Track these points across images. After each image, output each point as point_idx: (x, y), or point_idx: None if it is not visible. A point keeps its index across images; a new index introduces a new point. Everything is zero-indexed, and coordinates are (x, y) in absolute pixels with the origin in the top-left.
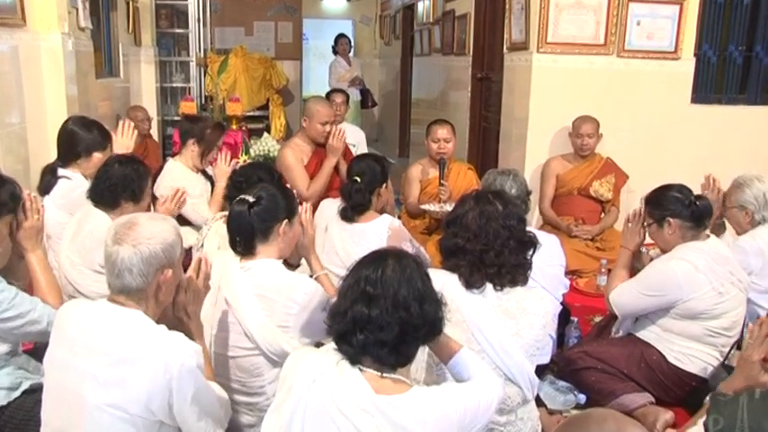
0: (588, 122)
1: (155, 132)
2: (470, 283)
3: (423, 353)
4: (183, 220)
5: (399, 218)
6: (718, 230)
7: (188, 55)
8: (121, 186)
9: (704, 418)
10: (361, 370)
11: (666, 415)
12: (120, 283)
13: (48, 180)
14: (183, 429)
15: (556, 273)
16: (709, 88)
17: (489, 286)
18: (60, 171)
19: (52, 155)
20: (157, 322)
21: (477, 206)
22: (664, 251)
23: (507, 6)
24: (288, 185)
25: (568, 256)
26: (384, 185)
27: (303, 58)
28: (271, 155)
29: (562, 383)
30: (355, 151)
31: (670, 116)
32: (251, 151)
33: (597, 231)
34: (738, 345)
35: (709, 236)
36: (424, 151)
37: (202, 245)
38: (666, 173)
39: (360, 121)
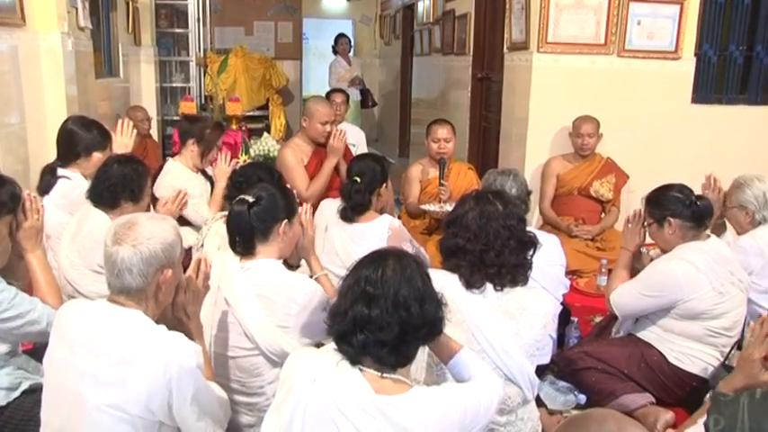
0: (588, 122)
1: (154, 132)
2: (470, 283)
3: (423, 353)
4: (182, 220)
5: (399, 218)
6: (719, 230)
7: (188, 55)
8: (121, 186)
9: (704, 418)
10: (361, 370)
11: (667, 415)
12: (119, 284)
13: (47, 180)
14: (183, 429)
15: (556, 273)
16: (709, 88)
17: (489, 286)
18: (60, 171)
19: (52, 155)
20: (157, 322)
21: (478, 206)
22: (664, 251)
23: (507, 6)
24: (288, 185)
25: (568, 256)
26: (384, 185)
27: (303, 57)
28: (271, 155)
29: (562, 384)
30: (355, 151)
31: (670, 116)
32: (251, 151)
33: (597, 231)
34: (739, 345)
35: (709, 236)
36: (424, 151)
37: (202, 245)
38: (667, 173)
39: (360, 121)
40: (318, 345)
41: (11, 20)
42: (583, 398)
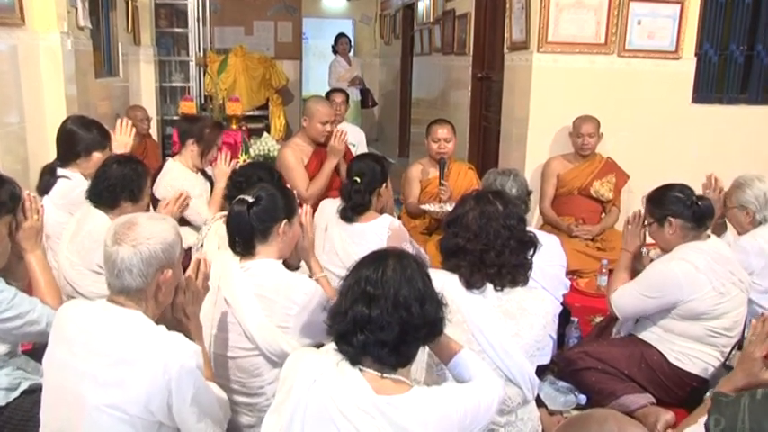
0: (589, 122)
1: (154, 132)
2: (471, 283)
3: (423, 353)
4: (182, 220)
5: (399, 218)
6: (720, 230)
7: (187, 54)
8: (120, 186)
9: (705, 418)
10: (361, 370)
11: (667, 415)
12: (119, 284)
13: (47, 180)
14: (183, 430)
15: (556, 273)
16: (710, 88)
17: (490, 286)
18: (59, 171)
19: (51, 155)
20: (156, 323)
21: (478, 206)
22: (664, 251)
23: (508, 6)
24: (288, 186)
25: (569, 256)
26: (384, 185)
27: (303, 57)
28: (270, 155)
29: (562, 384)
30: (355, 151)
31: (671, 116)
32: (250, 151)
33: (598, 231)
34: (739, 345)
35: (709, 236)
36: (424, 151)
37: (202, 245)
38: (667, 173)
39: (360, 121)
40: (319, 345)
41: (10, 19)
42: (583, 398)
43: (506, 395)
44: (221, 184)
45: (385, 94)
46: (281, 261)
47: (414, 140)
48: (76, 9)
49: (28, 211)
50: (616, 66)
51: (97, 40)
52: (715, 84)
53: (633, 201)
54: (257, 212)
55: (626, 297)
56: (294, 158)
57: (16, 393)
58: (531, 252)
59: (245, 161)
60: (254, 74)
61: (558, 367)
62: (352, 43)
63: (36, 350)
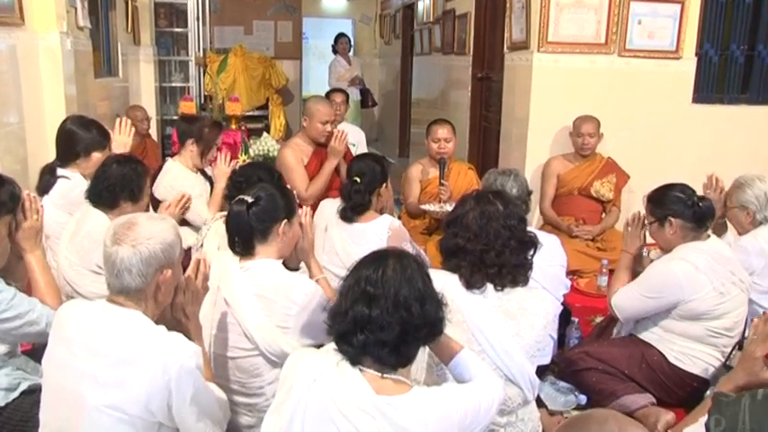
0: (589, 122)
1: (154, 132)
2: (471, 283)
3: (423, 353)
4: (181, 220)
5: (399, 218)
6: (720, 230)
7: (187, 54)
8: (120, 186)
9: (705, 418)
10: (361, 370)
11: (668, 416)
12: (119, 284)
13: (46, 180)
14: (182, 430)
15: (557, 273)
16: (710, 88)
17: (490, 287)
18: (59, 171)
19: (51, 155)
20: (156, 323)
21: (478, 206)
22: (663, 250)
23: (508, 5)
24: (288, 186)
25: (569, 256)
26: (384, 185)
27: (303, 57)
28: (270, 155)
29: (563, 384)
30: (355, 151)
31: (671, 116)
32: (250, 151)
33: (598, 231)
34: (740, 345)
35: (709, 236)
36: (424, 151)
37: (202, 245)
38: (668, 173)
39: (360, 121)
40: (319, 346)
41: (9, 19)
42: (583, 398)
43: (507, 395)
44: (221, 185)
45: (385, 94)
46: (281, 262)
47: (414, 140)
48: (76, 9)
49: (28, 211)
50: (616, 65)
51: (97, 39)
52: (715, 84)
53: (633, 201)
54: (257, 212)
55: (626, 298)
56: (294, 158)
57: (15, 394)
58: (532, 252)
59: (244, 161)
60: (254, 74)
61: (559, 367)
62: (352, 43)
63: (35, 350)
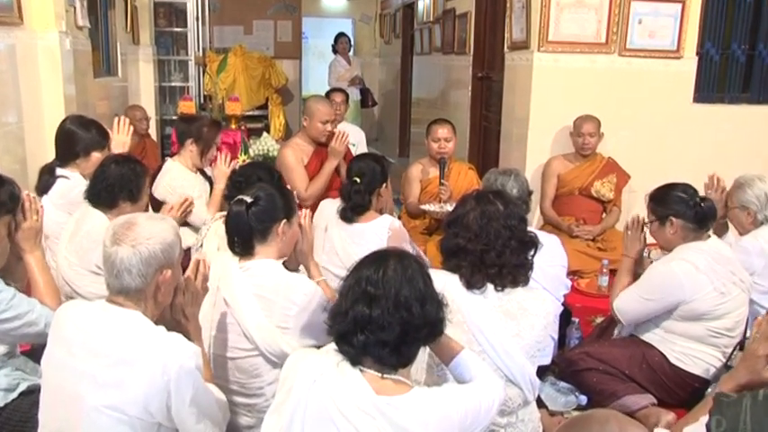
0: (589, 121)
1: (153, 132)
2: (471, 283)
3: (423, 354)
4: (181, 221)
5: (399, 218)
6: (721, 231)
7: (187, 54)
8: (119, 186)
9: (706, 418)
10: (361, 371)
11: (669, 416)
12: (118, 284)
13: (46, 180)
14: (182, 431)
15: (557, 273)
16: (711, 87)
17: (490, 287)
18: (58, 171)
19: (50, 154)
20: (155, 324)
21: (479, 206)
22: (662, 249)
23: (508, 5)
24: (287, 186)
25: (569, 256)
26: (384, 186)
27: (302, 57)
28: (270, 154)
29: (563, 385)
30: (355, 151)
31: (672, 115)
32: (250, 151)
33: (598, 231)
34: (741, 345)
35: (710, 236)
36: (424, 151)
37: (201, 245)
38: (668, 173)
39: (360, 121)
40: (319, 347)
41: (8, 19)
42: (584, 399)
43: (507, 396)
44: (221, 185)
45: (385, 94)
46: (281, 262)
47: (414, 140)
48: (75, 8)
49: (27, 211)
50: (617, 65)
51: (96, 39)
52: (716, 83)
53: (634, 201)
54: (256, 213)
55: (628, 302)
56: (294, 158)
57: (15, 394)
58: (532, 252)
59: (244, 161)
60: (254, 73)
61: (559, 368)
62: (352, 43)
63: (35, 351)
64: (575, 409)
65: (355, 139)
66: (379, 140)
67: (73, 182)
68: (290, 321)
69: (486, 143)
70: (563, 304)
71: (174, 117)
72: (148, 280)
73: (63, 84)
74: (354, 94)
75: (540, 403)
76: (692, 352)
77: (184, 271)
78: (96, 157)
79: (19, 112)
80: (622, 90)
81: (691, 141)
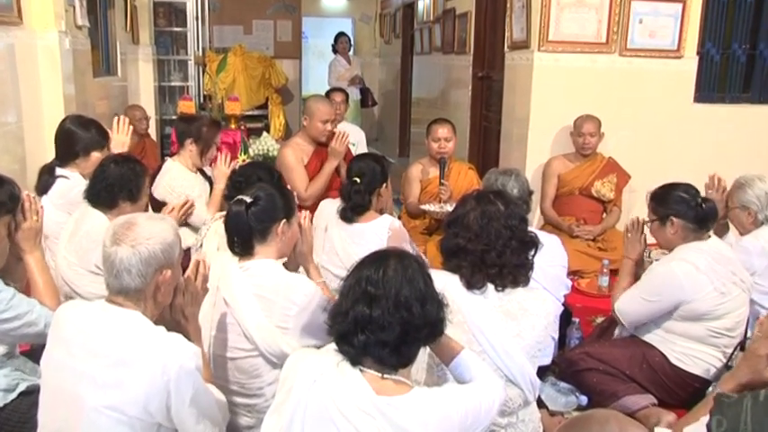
0: (590, 121)
1: (153, 132)
2: (471, 283)
3: (424, 354)
4: (181, 222)
5: (399, 218)
6: (722, 231)
7: (186, 54)
8: (118, 186)
9: (706, 417)
10: (361, 371)
11: (669, 417)
12: (118, 284)
13: (45, 180)
14: (181, 431)
15: (557, 273)
16: (712, 87)
17: (490, 287)
18: (58, 170)
19: (49, 154)
20: (155, 324)
21: (479, 206)
22: (662, 247)
23: (508, 5)
24: (287, 186)
25: (570, 256)
26: (384, 186)
27: (302, 56)
28: (270, 154)
29: (563, 385)
30: (355, 150)
31: (673, 115)
32: (250, 151)
33: (599, 231)
34: (742, 346)
35: (710, 236)
36: (424, 151)
37: (201, 245)
38: (669, 172)
39: (359, 121)
40: (320, 347)
41: (8, 18)
42: (584, 399)
43: (507, 396)
44: (220, 185)
45: (385, 94)
46: (281, 262)
47: (414, 140)
48: (74, 8)
49: (27, 211)
50: (617, 65)
51: (95, 38)
52: (717, 83)
53: (635, 201)
54: (255, 212)
55: (629, 304)
56: (294, 158)
57: (14, 395)
58: (533, 252)
59: (244, 161)
60: (254, 73)
61: (560, 368)
62: (352, 42)
63: (34, 351)
64: (575, 410)
65: (355, 138)
66: (379, 140)
67: (72, 182)
68: (289, 321)
69: (486, 143)
70: (563, 304)
71: (174, 117)
72: (148, 280)
73: (62, 83)
74: (354, 94)
75: (541, 403)
76: (692, 352)
77: (184, 271)
78: (96, 156)
79: (18, 111)
80: (623, 90)
81: (691, 141)
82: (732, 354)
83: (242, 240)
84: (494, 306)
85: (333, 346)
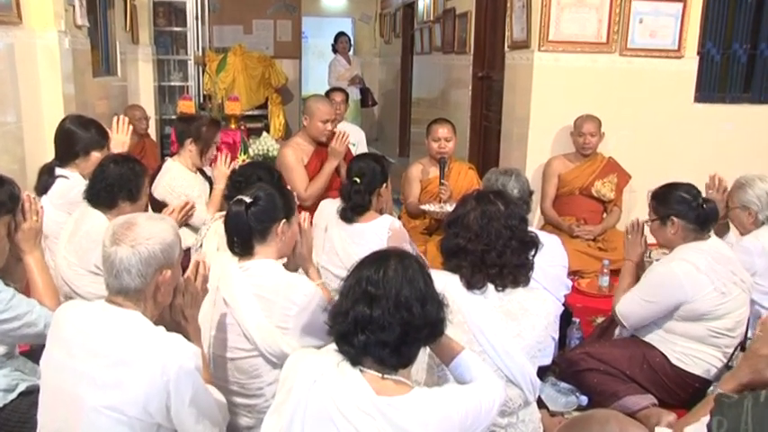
0: (590, 121)
1: (152, 131)
2: (472, 283)
3: (424, 354)
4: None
5: (399, 218)
6: (722, 231)
7: (186, 53)
8: (118, 186)
9: (707, 418)
10: (361, 371)
11: (669, 417)
12: (118, 284)
13: (45, 180)
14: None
15: (558, 273)
16: (712, 87)
17: (491, 287)
18: (58, 170)
19: (49, 154)
20: (155, 325)
21: (479, 206)
22: (662, 247)
23: (508, 4)
24: (287, 186)
25: (570, 256)
26: (384, 186)
27: (302, 56)
28: (270, 154)
29: (564, 385)
30: (355, 150)
31: (673, 115)
32: (250, 151)
33: (599, 231)
34: (742, 346)
35: (710, 236)
36: (424, 151)
37: (201, 245)
38: (669, 172)
39: (359, 121)
40: (320, 347)
41: (7, 18)
42: (584, 399)
43: (508, 396)
44: (220, 185)
45: (385, 94)
46: (281, 263)
47: (414, 140)
48: (74, 7)
49: (27, 212)
50: (618, 65)
51: (95, 38)
52: (718, 83)
53: (635, 200)
54: (255, 213)
55: (630, 305)
56: (294, 158)
57: (14, 395)
58: (533, 252)
59: (244, 161)
60: (254, 73)
61: (560, 368)
62: (352, 42)
63: (34, 351)
64: (575, 410)
65: (355, 138)
66: (379, 140)
67: (72, 182)
68: (289, 321)
69: (486, 143)
70: (564, 304)
71: (174, 117)
72: (148, 280)
73: (62, 83)
74: (354, 94)
75: (541, 404)
76: (692, 352)
77: (184, 271)
78: (96, 156)
79: (18, 111)
80: (623, 90)
81: (692, 141)
82: (733, 354)
83: (242, 240)
84: (494, 306)
85: (333, 346)
